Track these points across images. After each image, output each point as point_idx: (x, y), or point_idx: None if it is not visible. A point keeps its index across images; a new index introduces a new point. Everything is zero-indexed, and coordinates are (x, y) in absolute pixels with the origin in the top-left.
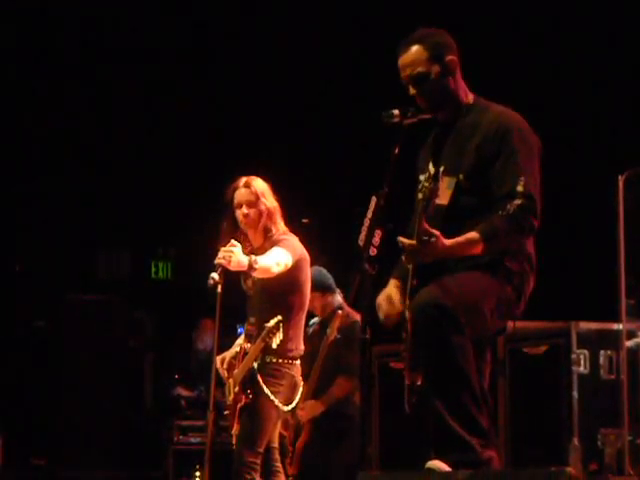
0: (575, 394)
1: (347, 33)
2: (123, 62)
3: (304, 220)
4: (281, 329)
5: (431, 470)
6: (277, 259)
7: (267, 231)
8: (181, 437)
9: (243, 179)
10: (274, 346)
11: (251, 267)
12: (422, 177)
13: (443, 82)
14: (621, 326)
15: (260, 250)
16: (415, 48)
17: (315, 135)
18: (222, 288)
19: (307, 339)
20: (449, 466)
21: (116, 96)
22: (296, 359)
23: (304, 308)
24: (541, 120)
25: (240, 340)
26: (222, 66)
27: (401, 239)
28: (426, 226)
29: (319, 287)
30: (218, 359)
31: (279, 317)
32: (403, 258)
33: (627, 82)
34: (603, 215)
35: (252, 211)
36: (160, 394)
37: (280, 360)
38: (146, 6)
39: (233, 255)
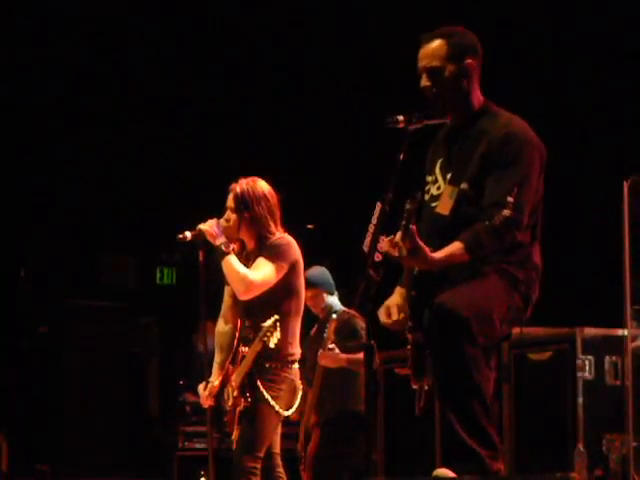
0: (580, 400)
1: (355, 34)
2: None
3: (309, 226)
4: (278, 328)
5: (437, 478)
6: (263, 277)
7: (258, 237)
8: (186, 443)
9: (238, 182)
10: (272, 345)
11: (220, 250)
12: (429, 178)
13: (455, 82)
14: (626, 332)
15: (252, 254)
16: (437, 42)
17: (321, 140)
18: (203, 257)
19: (307, 343)
20: (456, 475)
21: (120, 96)
22: (294, 363)
23: (300, 312)
24: (546, 125)
25: (216, 365)
26: (230, 68)
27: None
28: (412, 238)
29: (325, 286)
30: (200, 386)
31: (276, 316)
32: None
33: (634, 86)
34: (608, 220)
35: (233, 217)
36: (165, 400)
37: (279, 365)
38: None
39: (214, 224)
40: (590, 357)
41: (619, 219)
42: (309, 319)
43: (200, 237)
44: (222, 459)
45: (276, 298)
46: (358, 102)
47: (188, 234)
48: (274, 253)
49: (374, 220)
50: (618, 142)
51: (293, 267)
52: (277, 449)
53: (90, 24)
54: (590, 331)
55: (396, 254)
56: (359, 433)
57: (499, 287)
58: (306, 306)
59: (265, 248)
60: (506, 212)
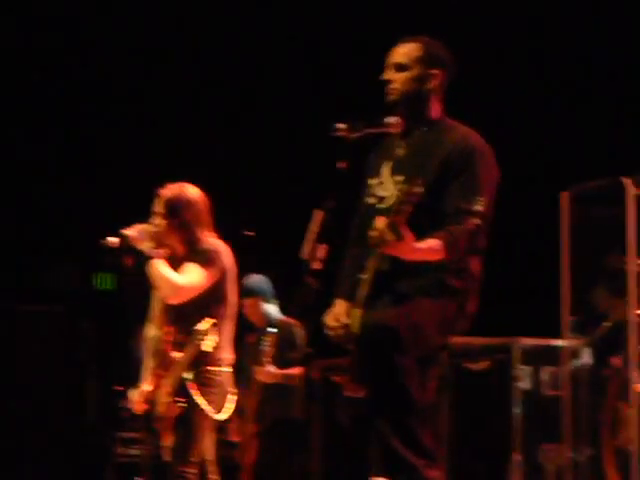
0: (517, 410)
1: (303, 40)
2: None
3: (247, 233)
4: (213, 332)
5: None
6: (191, 282)
7: (187, 243)
8: (123, 449)
9: (166, 187)
10: (207, 349)
11: (146, 254)
12: (373, 182)
13: (416, 84)
14: (563, 343)
15: (182, 260)
16: (415, 45)
17: (263, 147)
18: (130, 262)
19: (245, 351)
20: None
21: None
22: (226, 367)
23: (232, 317)
24: (485, 135)
25: (147, 370)
26: (164, 71)
27: (380, 219)
28: (401, 221)
29: (264, 294)
30: (132, 392)
31: (211, 320)
32: (370, 238)
33: (572, 98)
34: (547, 232)
35: (161, 222)
36: (103, 405)
37: (212, 368)
38: None
39: (138, 228)
40: (527, 367)
41: (557, 231)
42: (246, 325)
43: (125, 242)
44: (157, 465)
45: (206, 304)
46: (300, 108)
47: (113, 239)
48: (204, 259)
49: (314, 228)
50: (556, 154)
51: (224, 274)
52: (211, 456)
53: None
54: (528, 341)
55: (377, 240)
56: (298, 442)
57: (434, 297)
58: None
59: (195, 254)
60: (476, 220)
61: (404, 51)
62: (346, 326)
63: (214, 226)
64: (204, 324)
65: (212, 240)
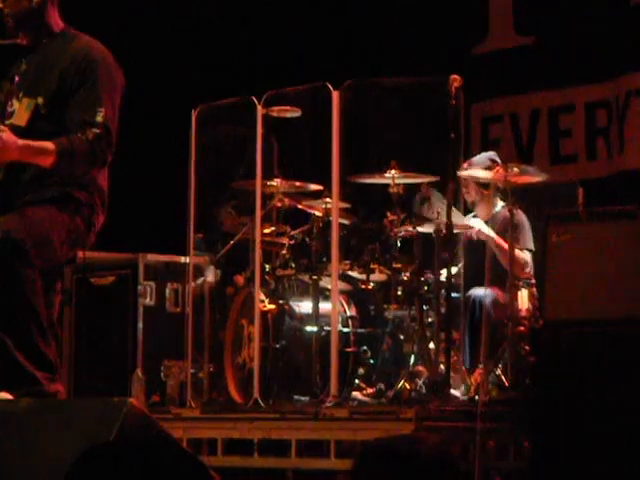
0: (140, 325)
1: None
2: None
3: None
4: None
5: None
6: None
7: None
8: None
9: None
10: None
11: None
12: (2, 98)
13: (25, 3)
14: (188, 260)
15: None
16: None
17: None
18: None
19: None
20: (14, 396)
21: None
22: None
23: None
24: (119, 51)
25: None
26: None
27: None
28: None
29: None
30: None
31: None
32: None
33: (204, 19)
34: (176, 148)
35: None
36: None
37: None
38: None
39: None
40: (152, 283)
41: (186, 147)
42: None
43: None
44: None
45: None
46: None
47: None
48: None
49: None
50: (187, 71)
51: None
52: None
53: None
54: (153, 258)
55: None
56: None
57: (59, 210)
58: None
59: None
60: (97, 130)
61: None
62: None
63: None
64: None
65: None
